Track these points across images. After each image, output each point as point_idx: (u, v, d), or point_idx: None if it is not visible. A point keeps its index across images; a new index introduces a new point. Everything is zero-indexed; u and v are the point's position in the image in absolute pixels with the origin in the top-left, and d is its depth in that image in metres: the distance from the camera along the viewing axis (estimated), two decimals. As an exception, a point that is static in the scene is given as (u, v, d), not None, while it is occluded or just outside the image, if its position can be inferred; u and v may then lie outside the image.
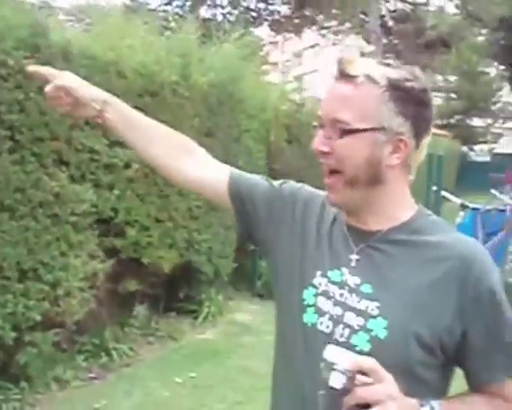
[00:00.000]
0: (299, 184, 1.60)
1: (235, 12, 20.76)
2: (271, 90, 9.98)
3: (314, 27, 25.13)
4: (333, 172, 1.32)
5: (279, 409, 1.44)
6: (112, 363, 6.19)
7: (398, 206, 1.36)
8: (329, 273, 1.36)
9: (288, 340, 1.43)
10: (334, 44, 27.60)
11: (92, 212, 5.76)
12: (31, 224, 5.15)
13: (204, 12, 20.95)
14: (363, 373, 1.14)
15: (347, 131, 1.27)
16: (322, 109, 1.33)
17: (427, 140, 1.35)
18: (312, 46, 37.67)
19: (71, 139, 5.50)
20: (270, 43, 31.83)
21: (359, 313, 1.30)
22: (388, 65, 1.31)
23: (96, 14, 6.87)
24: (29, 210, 5.13)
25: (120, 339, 6.58)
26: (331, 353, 1.15)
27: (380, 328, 1.27)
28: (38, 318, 5.23)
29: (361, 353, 1.25)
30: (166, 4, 20.86)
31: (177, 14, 20.27)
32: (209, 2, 21.06)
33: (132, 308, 7.15)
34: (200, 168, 1.65)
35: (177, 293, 7.65)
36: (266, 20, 23.10)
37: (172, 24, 20.42)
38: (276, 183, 1.61)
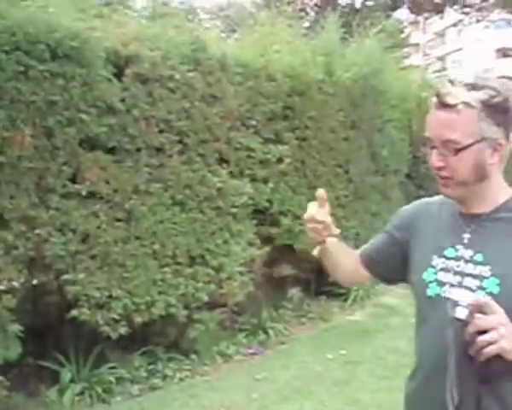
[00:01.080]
0: (402, 209, 2.04)
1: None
2: (413, 75, 10.12)
3: (456, 6, 24.45)
4: (447, 178, 1.68)
5: (422, 360, 1.85)
6: (269, 340, 6.79)
7: (496, 192, 1.71)
8: (445, 252, 1.73)
9: (422, 314, 1.82)
10: (477, 21, 26.63)
11: (250, 204, 6.38)
12: (198, 216, 5.85)
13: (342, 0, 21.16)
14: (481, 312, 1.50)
15: (459, 149, 1.62)
16: (432, 134, 1.67)
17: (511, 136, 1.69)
18: (455, 24, 36.41)
19: (230, 140, 6.14)
20: (411, 23, 31.31)
21: (475, 276, 1.63)
22: (475, 87, 1.62)
23: (238, 14, 7.45)
24: (196, 204, 5.84)
25: (275, 319, 7.19)
26: (455, 294, 1.55)
27: (493, 285, 1.59)
28: (206, 298, 5.94)
29: None
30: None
31: (316, 4, 20.68)
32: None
33: (286, 291, 7.74)
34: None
35: (327, 278, 8.09)
36: (404, 2, 22.83)
37: (312, 14, 20.78)
38: (388, 225, 2.06)
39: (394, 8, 22.78)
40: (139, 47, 5.30)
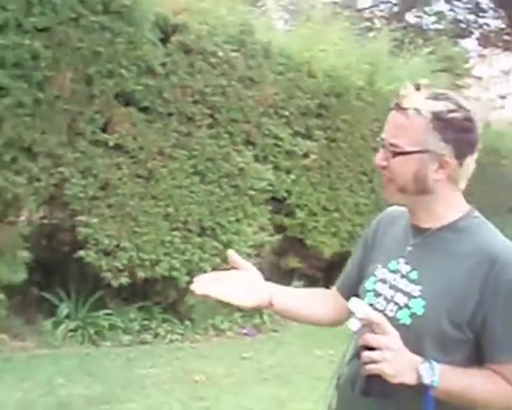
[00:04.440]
0: (372, 223, 1.97)
1: (443, 22, 20.69)
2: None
3: (526, 46, 24.12)
4: (388, 180, 1.64)
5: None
6: (263, 325, 6.98)
7: (444, 210, 1.63)
8: (389, 264, 1.69)
9: None
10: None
11: (268, 190, 6.58)
12: (216, 190, 6.07)
13: (410, 18, 21.11)
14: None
15: (399, 153, 1.58)
16: (384, 133, 1.63)
17: (471, 158, 1.60)
18: (522, 65, 35.80)
19: (260, 124, 6.34)
20: (478, 56, 30.96)
21: (405, 294, 1.59)
22: (438, 97, 1.56)
23: (301, 13, 7.64)
24: (216, 178, 6.06)
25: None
26: (354, 304, 1.48)
27: (419, 307, 1.55)
28: (209, 269, 6.14)
29: (403, 326, 1.53)
30: (374, 6, 21.30)
31: (382, 17, 20.68)
32: (417, 9, 21.17)
33: (290, 283, 7.91)
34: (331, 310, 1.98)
35: (334, 278, 8.25)
36: (473, 33, 22.65)
37: (378, 25, 20.81)
38: (360, 240, 1.98)
39: (463, 37, 22.61)
40: (188, 18, 5.54)
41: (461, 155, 1.58)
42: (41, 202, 5.13)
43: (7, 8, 4.59)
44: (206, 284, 1.66)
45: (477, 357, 1.54)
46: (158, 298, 6.20)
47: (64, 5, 4.81)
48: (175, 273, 5.93)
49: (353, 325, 1.47)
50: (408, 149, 1.57)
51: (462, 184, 1.66)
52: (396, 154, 1.59)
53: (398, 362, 1.46)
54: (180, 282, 6.01)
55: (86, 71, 5.02)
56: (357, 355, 1.59)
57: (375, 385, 1.49)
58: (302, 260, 7.47)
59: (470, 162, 1.61)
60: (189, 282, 5.52)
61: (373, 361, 1.45)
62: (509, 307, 1.51)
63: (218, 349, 6.15)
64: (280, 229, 7.01)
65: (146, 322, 6.04)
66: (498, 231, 1.64)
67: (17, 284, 5.20)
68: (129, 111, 5.38)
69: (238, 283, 1.71)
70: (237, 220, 6.34)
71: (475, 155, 1.62)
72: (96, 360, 5.36)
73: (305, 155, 6.90)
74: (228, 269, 1.73)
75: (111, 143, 5.32)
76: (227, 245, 6.27)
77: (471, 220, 1.64)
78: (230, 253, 1.75)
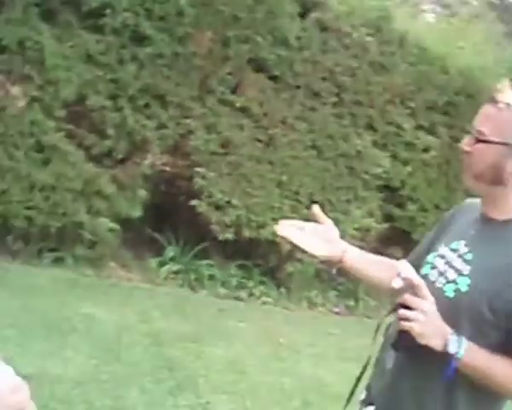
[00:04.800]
0: (451, 209, 2.05)
1: None
2: None
3: None
4: (468, 165, 1.72)
5: None
6: (356, 309, 7.07)
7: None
8: (451, 244, 1.78)
9: None
10: None
11: (383, 177, 6.64)
12: (331, 167, 6.23)
13: None
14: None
15: (481, 141, 1.65)
16: (475, 122, 1.69)
17: None
18: None
19: (384, 112, 6.41)
20: None
21: (456, 270, 1.69)
22: None
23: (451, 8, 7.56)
24: (333, 156, 6.21)
25: (370, 294, 7.43)
26: (402, 266, 1.61)
27: (464, 284, 1.65)
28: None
29: (447, 298, 1.65)
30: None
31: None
32: None
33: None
34: None
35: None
36: None
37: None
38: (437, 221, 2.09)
39: None
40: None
41: None
42: (165, 149, 5.52)
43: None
44: (288, 229, 1.85)
45: (506, 347, 1.62)
46: (259, 260, 6.47)
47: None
48: (279, 239, 6.14)
49: (396, 283, 1.59)
50: (491, 138, 1.65)
51: None
52: (478, 140, 1.67)
53: (428, 325, 1.57)
54: (282, 248, 6.23)
55: (225, 33, 5.32)
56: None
57: (405, 341, 1.60)
58: (406, 252, 7.41)
59: None
60: (291, 250, 5.73)
61: (406, 319, 1.56)
62: None
63: (308, 320, 6.33)
64: (388, 218, 7.05)
65: (243, 280, 6.33)
66: None
67: (132, 219, 5.65)
68: (259, 77, 5.65)
69: (316, 234, 1.88)
70: (347, 201, 6.46)
71: None
72: (191, 304, 5.72)
73: (425, 150, 6.87)
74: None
75: (237, 105, 5.61)
76: (333, 223, 6.42)
77: None
78: (314, 207, 1.91)
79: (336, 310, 6.89)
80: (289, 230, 1.85)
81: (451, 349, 1.58)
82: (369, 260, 2.09)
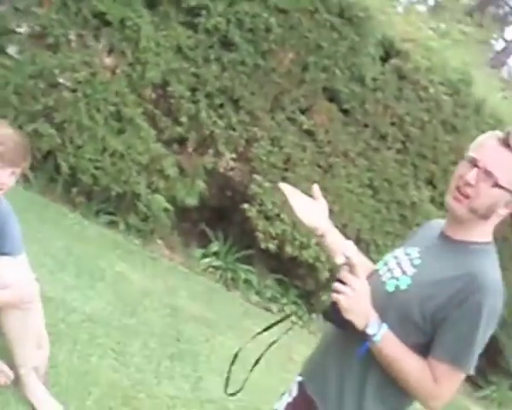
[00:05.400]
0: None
1: None
2: None
3: None
4: (466, 197, 1.77)
5: None
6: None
7: (479, 233, 1.82)
8: (408, 249, 1.93)
9: None
10: None
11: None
12: (383, 210, 6.41)
13: None
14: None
15: (498, 186, 1.73)
16: (483, 159, 1.75)
17: None
18: None
19: (447, 171, 6.37)
20: None
21: (402, 270, 1.84)
22: None
23: None
24: (387, 200, 6.40)
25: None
26: (347, 246, 1.80)
27: (404, 283, 1.80)
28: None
29: (386, 292, 1.81)
30: None
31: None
32: None
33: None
34: None
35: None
36: None
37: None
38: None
39: None
40: (413, 49, 6.00)
41: None
42: (230, 150, 5.95)
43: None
44: (289, 189, 2.14)
45: (427, 350, 1.75)
46: (297, 281, 6.69)
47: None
48: (318, 264, 6.35)
49: (339, 259, 1.76)
50: (501, 183, 1.74)
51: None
52: (495, 185, 1.74)
53: (355, 302, 1.71)
54: (321, 274, 6.41)
55: (305, 58, 5.74)
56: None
57: (335, 314, 1.74)
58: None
59: None
60: (329, 279, 5.92)
61: (337, 291, 1.72)
62: (465, 323, 1.71)
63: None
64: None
65: (278, 295, 6.56)
66: (496, 263, 1.82)
67: (189, 209, 6.09)
68: (330, 106, 6.00)
69: (309, 206, 2.13)
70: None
71: None
72: (221, 298, 6.04)
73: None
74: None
75: (305, 127, 5.97)
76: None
77: (485, 246, 1.82)
78: (315, 187, 2.18)
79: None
80: (290, 190, 2.14)
81: (370, 330, 1.72)
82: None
